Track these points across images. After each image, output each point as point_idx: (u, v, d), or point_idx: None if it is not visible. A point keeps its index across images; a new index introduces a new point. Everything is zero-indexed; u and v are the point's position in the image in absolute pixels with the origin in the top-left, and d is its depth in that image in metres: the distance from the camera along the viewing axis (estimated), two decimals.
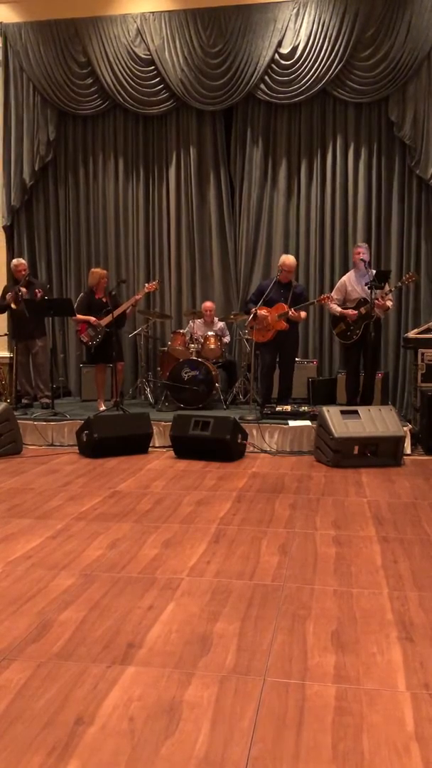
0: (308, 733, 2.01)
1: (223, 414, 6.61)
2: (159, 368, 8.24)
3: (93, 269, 7.62)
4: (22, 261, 7.67)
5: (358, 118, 8.14)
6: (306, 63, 7.93)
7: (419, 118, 7.84)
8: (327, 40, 7.85)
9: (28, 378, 7.73)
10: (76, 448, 6.45)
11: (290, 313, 6.81)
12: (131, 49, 8.30)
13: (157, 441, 6.68)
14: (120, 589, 3.10)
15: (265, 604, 2.93)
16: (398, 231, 8.13)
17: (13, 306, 7.42)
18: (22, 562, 3.45)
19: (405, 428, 6.23)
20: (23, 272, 7.50)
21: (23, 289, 7.32)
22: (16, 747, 1.95)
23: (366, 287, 6.71)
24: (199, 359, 7.33)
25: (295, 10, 7.93)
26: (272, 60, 8.01)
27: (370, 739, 1.98)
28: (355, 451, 5.84)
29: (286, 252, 8.13)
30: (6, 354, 8.41)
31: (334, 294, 7.04)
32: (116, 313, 7.11)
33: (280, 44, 7.98)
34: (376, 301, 6.65)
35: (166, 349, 8.03)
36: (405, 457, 6.12)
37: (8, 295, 7.45)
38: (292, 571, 3.34)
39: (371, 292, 6.64)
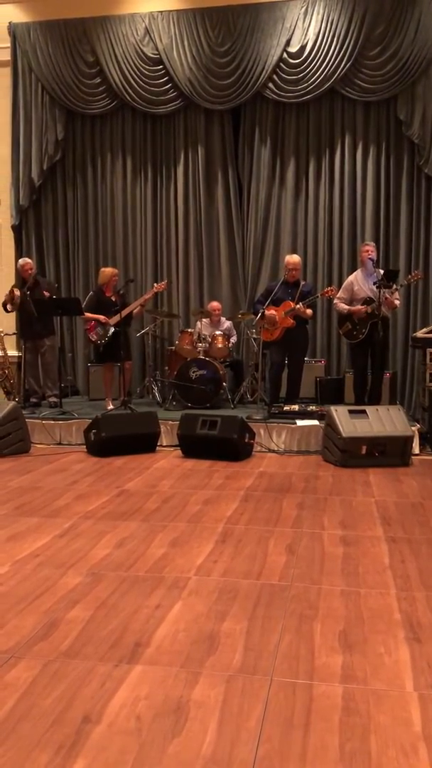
0: (315, 734, 2.00)
1: (230, 413, 6.61)
2: (167, 367, 8.24)
3: (103, 268, 7.64)
4: (28, 260, 7.68)
5: (367, 116, 8.11)
6: (314, 62, 7.91)
7: (428, 117, 7.80)
8: (335, 38, 7.82)
9: (37, 377, 7.75)
10: (84, 446, 6.47)
11: (297, 308, 6.81)
12: (139, 48, 8.30)
13: (164, 440, 6.68)
14: (127, 588, 3.11)
15: (272, 604, 2.93)
16: (406, 230, 8.10)
17: (8, 308, 7.46)
18: (29, 561, 3.46)
19: (413, 428, 6.21)
20: (29, 271, 7.52)
21: (16, 291, 7.36)
22: (24, 745, 1.96)
23: (374, 286, 6.70)
24: (207, 358, 7.33)
25: (303, 9, 7.91)
26: (280, 59, 7.99)
27: (377, 739, 1.98)
28: (363, 451, 5.82)
29: (294, 251, 8.13)
30: (14, 353, 8.42)
31: (341, 293, 7.03)
32: (124, 312, 7.12)
33: (288, 43, 7.96)
34: (385, 299, 6.63)
35: (173, 348, 8.04)
36: (413, 457, 6.10)
37: (5, 296, 7.49)
38: (299, 570, 3.33)
39: (379, 292, 6.62)
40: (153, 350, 8.33)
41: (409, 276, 7.15)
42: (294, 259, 7.11)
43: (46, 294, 7.34)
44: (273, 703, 2.16)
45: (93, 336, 7.23)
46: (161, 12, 8.23)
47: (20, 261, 7.74)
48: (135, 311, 7.41)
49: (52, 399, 7.55)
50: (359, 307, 6.81)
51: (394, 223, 8.16)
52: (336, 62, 7.85)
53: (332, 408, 6.09)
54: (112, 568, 3.35)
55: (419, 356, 7.45)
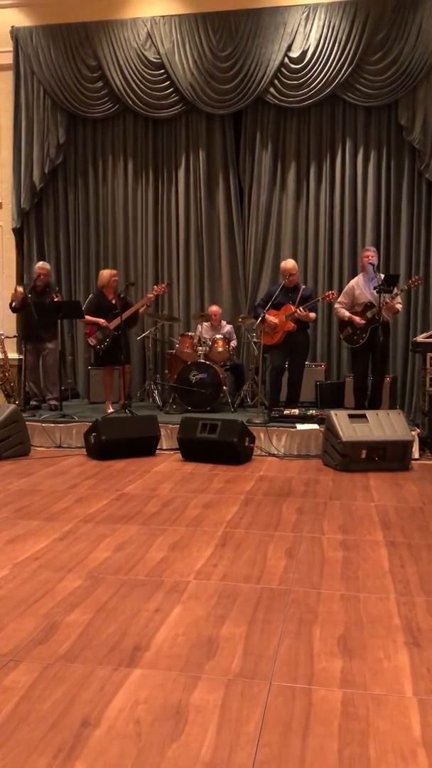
0: (314, 738, 2.00)
1: (230, 417, 6.61)
2: (167, 371, 8.24)
3: (103, 270, 7.64)
4: (42, 266, 7.61)
5: (368, 121, 8.13)
6: (315, 67, 7.93)
7: (429, 122, 7.82)
8: (337, 43, 7.84)
9: (37, 380, 7.74)
10: (84, 449, 6.47)
11: (297, 312, 6.82)
12: (141, 52, 8.32)
13: (164, 443, 6.68)
14: (127, 591, 3.11)
15: (272, 608, 2.93)
16: (407, 235, 8.11)
17: (13, 305, 7.46)
18: (29, 564, 3.46)
19: (413, 432, 6.22)
20: (40, 275, 7.50)
21: (19, 288, 7.40)
22: (22, 749, 1.95)
23: (374, 291, 6.71)
24: (207, 362, 7.34)
25: (305, 14, 7.93)
26: (282, 64, 8.01)
27: (376, 744, 1.98)
28: (363, 455, 5.82)
29: (295, 255, 8.15)
30: (15, 356, 8.42)
31: (342, 298, 7.05)
32: (125, 315, 7.13)
33: (289, 48, 7.98)
34: (386, 303, 6.64)
35: (174, 351, 8.04)
36: (413, 462, 6.10)
37: (11, 294, 7.50)
38: (298, 575, 3.33)
39: (380, 296, 6.63)
40: (153, 353, 8.33)
41: (410, 281, 7.17)
42: (289, 264, 7.10)
43: (55, 299, 7.36)
44: (272, 707, 2.16)
45: (92, 341, 7.23)
46: (163, 17, 8.25)
47: (40, 264, 7.71)
48: (141, 311, 7.41)
49: (53, 402, 7.55)
50: (358, 318, 6.82)
51: (395, 228, 8.17)
52: (337, 67, 7.87)
53: (332, 412, 6.09)
54: (111, 572, 3.35)
55: (419, 361, 7.45)
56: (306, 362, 7.43)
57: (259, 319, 6.95)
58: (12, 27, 8.67)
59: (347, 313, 6.93)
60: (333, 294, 7.04)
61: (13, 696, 2.22)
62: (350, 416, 6.03)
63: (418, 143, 7.85)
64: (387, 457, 5.85)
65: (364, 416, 6.06)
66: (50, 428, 6.88)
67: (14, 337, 8.36)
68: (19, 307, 7.44)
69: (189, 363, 7.39)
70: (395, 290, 6.76)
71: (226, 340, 7.73)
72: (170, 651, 2.53)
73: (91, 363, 8.25)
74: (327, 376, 8.11)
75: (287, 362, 7.16)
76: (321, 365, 8.07)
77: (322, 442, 6.26)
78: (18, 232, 8.94)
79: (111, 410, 7.26)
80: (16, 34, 8.67)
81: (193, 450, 6.17)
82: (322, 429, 6.30)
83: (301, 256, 8.27)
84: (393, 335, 7.82)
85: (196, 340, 7.62)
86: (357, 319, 6.83)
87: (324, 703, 2.18)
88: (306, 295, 7.02)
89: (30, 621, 2.78)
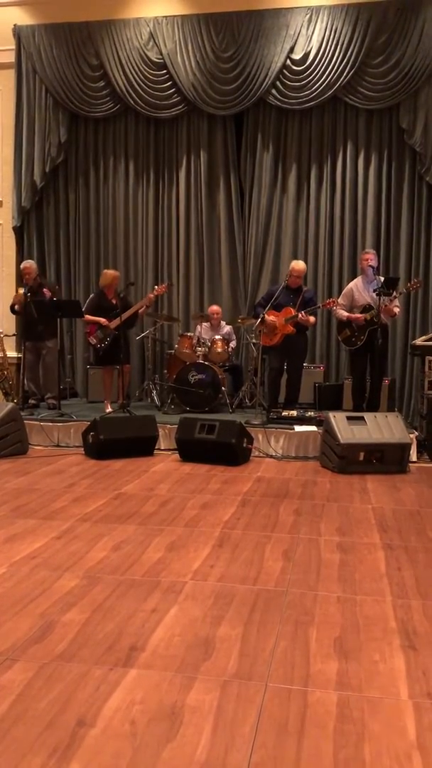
0: (309, 740, 2.00)
1: (228, 418, 6.61)
2: (166, 371, 8.25)
3: (105, 270, 7.63)
4: (29, 265, 7.62)
5: (369, 124, 8.14)
6: (318, 69, 7.94)
7: (430, 126, 7.83)
8: (339, 46, 7.85)
9: (36, 379, 7.74)
10: (82, 449, 6.47)
11: (299, 316, 6.82)
12: (144, 52, 8.32)
13: (162, 444, 6.68)
14: (123, 591, 3.11)
15: (268, 610, 2.93)
16: (407, 238, 8.12)
17: (16, 308, 7.49)
18: (26, 563, 3.46)
19: (411, 435, 6.23)
20: (28, 275, 7.49)
21: (20, 290, 7.42)
22: (18, 748, 1.95)
23: (374, 294, 6.72)
24: (206, 363, 7.34)
25: (307, 17, 7.94)
26: (284, 66, 8.02)
27: (371, 747, 1.98)
28: (361, 458, 5.83)
29: (295, 257, 8.15)
30: (14, 354, 8.41)
31: (341, 300, 7.06)
32: (125, 316, 7.13)
33: (292, 50, 7.99)
34: (383, 307, 6.65)
35: (173, 351, 8.04)
36: (410, 465, 6.11)
37: (14, 297, 7.51)
38: (295, 576, 3.33)
39: (379, 299, 6.64)
40: (152, 354, 8.33)
41: (409, 284, 7.17)
42: (300, 265, 7.09)
43: (47, 293, 7.34)
44: (268, 709, 2.16)
45: (93, 340, 7.23)
46: (166, 17, 8.26)
47: (23, 263, 7.73)
48: (141, 311, 7.41)
49: (51, 401, 7.55)
50: (358, 315, 6.83)
51: (395, 231, 8.18)
52: (339, 70, 7.88)
53: (330, 414, 6.10)
54: (108, 572, 3.35)
55: (418, 364, 7.46)
56: (305, 364, 7.43)
57: (259, 319, 6.95)
58: (14, 25, 8.67)
59: (345, 314, 6.94)
60: (333, 302, 7.03)
61: (9, 695, 2.22)
62: (348, 418, 6.04)
63: (419, 146, 7.87)
64: (385, 460, 5.86)
65: (362, 418, 6.06)
66: (48, 427, 6.88)
67: (13, 335, 8.35)
68: (21, 309, 7.44)
69: (188, 363, 7.39)
70: (394, 293, 6.77)
71: (225, 340, 7.74)
72: (166, 651, 2.53)
73: (90, 362, 8.24)
74: (326, 377, 8.11)
75: (286, 363, 7.16)
76: (320, 367, 8.08)
77: (320, 443, 6.27)
78: (18, 231, 8.95)
79: (109, 410, 7.26)
80: (18, 33, 8.67)
81: (191, 450, 6.17)
82: (320, 431, 6.31)
83: (301, 257, 8.26)
84: (392, 338, 7.83)
85: (195, 341, 7.62)
86: (356, 316, 6.83)
87: (319, 705, 2.19)
88: (308, 298, 7.03)
89: (26, 620, 2.78)
